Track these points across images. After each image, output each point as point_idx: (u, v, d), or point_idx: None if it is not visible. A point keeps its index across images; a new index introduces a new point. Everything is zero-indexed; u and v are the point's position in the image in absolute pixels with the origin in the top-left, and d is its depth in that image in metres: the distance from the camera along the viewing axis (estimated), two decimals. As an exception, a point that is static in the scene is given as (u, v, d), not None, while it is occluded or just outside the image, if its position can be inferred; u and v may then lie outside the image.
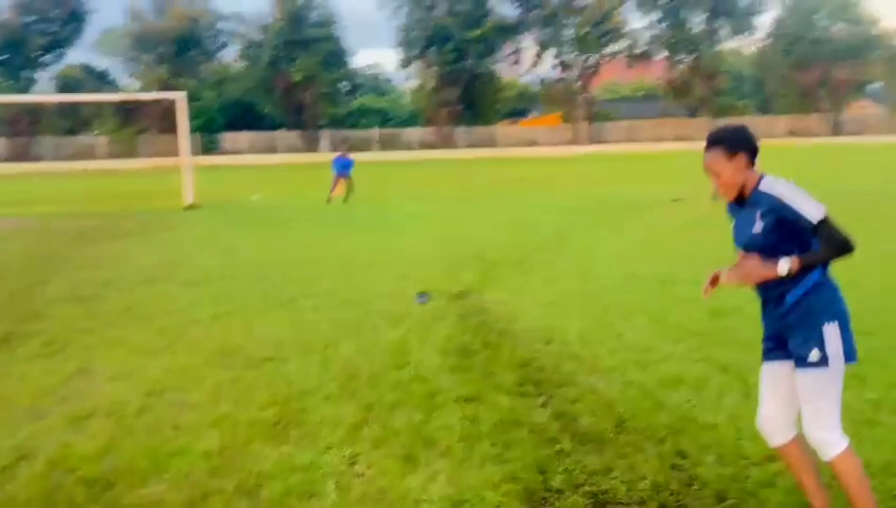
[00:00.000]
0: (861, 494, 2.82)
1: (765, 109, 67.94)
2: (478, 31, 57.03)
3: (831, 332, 2.85)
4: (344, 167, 19.93)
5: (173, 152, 58.25)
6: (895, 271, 8.13)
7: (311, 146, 61.86)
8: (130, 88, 63.95)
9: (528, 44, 63.17)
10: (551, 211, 15.59)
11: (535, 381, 4.97)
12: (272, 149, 61.99)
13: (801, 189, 2.83)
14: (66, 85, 60.98)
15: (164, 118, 59.65)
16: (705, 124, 60.98)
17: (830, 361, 2.83)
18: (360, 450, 3.99)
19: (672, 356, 5.42)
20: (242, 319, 7.02)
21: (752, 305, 6.75)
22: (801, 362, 2.88)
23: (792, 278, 2.84)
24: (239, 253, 11.20)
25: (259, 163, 53.34)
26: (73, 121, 63.49)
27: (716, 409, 4.36)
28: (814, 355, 2.84)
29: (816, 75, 59.66)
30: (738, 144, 2.92)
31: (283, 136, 62.72)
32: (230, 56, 66.65)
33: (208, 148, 55.82)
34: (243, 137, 62.02)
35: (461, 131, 62.71)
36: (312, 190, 25.30)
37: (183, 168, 18.71)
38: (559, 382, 4.95)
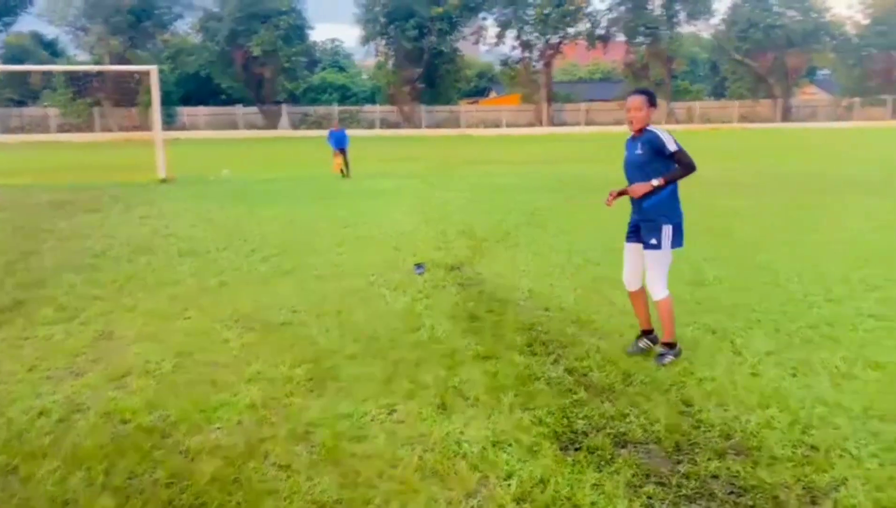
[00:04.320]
0: (668, 321, 4.91)
1: (718, 93, 69.49)
2: (440, 9, 56.80)
3: (666, 230, 4.84)
4: (339, 141, 19.77)
5: (129, 126, 57.28)
6: (852, 248, 8.78)
7: (271, 122, 61.17)
8: (78, 60, 62.10)
9: (490, 22, 63.24)
10: (523, 190, 16.01)
11: (543, 342, 5.39)
12: (231, 124, 61.17)
13: (670, 134, 4.77)
14: (13, 55, 58.87)
15: (118, 91, 58.39)
16: (662, 108, 62.25)
17: (661, 246, 4.85)
18: (395, 401, 4.35)
19: (663, 320, 5.89)
20: (249, 287, 7.27)
21: (731, 277, 7.32)
22: (646, 245, 4.92)
23: (653, 191, 4.79)
24: (223, 226, 11.33)
25: (219, 138, 52.67)
26: (21, 92, 61.43)
27: (711, 365, 4.84)
28: (653, 241, 4.87)
29: (769, 61, 61.22)
30: (653, 100, 4.93)
31: (243, 111, 61.85)
32: (185, 28, 65.25)
33: (165, 122, 54.75)
34: (201, 112, 61.02)
35: (423, 110, 62.64)
36: (279, 165, 25.26)
37: (156, 142, 18.55)
38: (565, 343, 5.37)
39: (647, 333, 5.15)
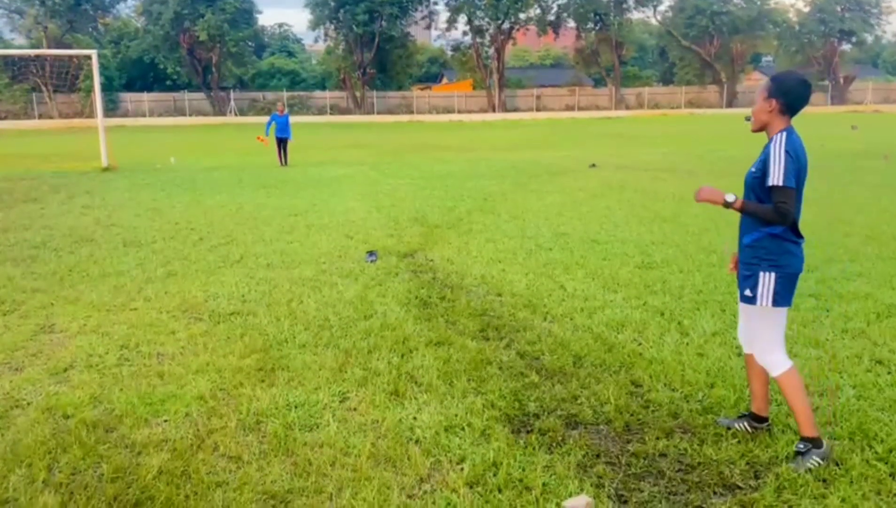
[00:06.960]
0: (798, 403, 3.40)
1: (667, 80, 70.60)
2: (390, -7, 56.32)
3: (765, 279, 3.35)
4: (282, 128, 19.07)
5: (70, 113, 55.32)
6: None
7: (219, 108, 59.95)
8: (15, 44, 59.71)
9: (441, 7, 62.95)
10: (475, 176, 16.03)
11: (495, 327, 5.42)
12: (178, 111, 59.75)
13: (788, 158, 3.21)
14: (-57, 37, 56.33)
15: (57, 77, 56.30)
16: (612, 94, 63.01)
17: (757, 300, 3.37)
18: (347, 389, 4.32)
19: (612, 303, 5.98)
20: (196, 277, 7.12)
21: (678, 260, 7.45)
22: (741, 295, 3.50)
23: (753, 224, 3.38)
24: (169, 215, 11.09)
25: (165, 124, 51.37)
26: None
27: (659, 346, 4.93)
28: (747, 292, 3.43)
29: (715, 48, 62.42)
30: (777, 90, 3.34)
31: (189, 97, 60.44)
32: (127, 11, 63.44)
33: (108, 109, 53.12)
34: (145, 98, 59.44)
35: (374, 96, 62.15)
36: (226, 152, 24.78)
37: (100, 129, 17.99)
38: (516, 328, 5.41)
39: (757, 419, 3.69)
